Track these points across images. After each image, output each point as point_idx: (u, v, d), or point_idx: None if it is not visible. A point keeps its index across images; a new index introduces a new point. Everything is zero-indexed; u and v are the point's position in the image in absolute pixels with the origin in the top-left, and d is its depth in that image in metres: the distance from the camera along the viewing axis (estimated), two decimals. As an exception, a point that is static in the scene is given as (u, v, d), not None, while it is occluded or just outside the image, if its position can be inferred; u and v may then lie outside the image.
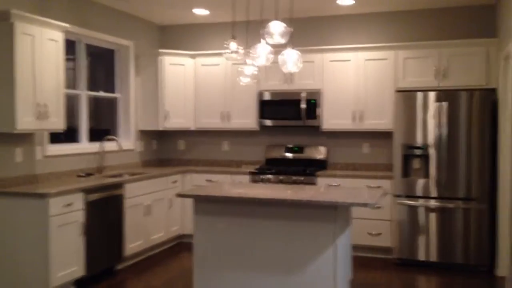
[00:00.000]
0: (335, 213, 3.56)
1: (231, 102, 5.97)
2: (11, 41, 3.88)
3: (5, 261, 3.95)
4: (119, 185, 4.73)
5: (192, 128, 6.15)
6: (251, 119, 5.89)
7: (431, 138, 5.00)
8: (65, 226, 4.02)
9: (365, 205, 3.42)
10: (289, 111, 5.71)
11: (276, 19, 3.63)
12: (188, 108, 6.09)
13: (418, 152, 5.04)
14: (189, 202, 5.62)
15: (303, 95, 5.63)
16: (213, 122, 6.07)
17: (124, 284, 4.49)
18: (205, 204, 3.91)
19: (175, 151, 6.54)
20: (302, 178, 5.43)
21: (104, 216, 4.52)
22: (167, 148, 6.56)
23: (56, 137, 4.78)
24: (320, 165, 5.80)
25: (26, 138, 4.40)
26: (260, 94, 5.81)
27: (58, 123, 4.35)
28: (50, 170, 4.66)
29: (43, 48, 4.15)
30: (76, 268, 4.15)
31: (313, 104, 5.61)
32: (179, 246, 5.75)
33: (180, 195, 3.92)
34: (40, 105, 4.13)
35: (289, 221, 3.71)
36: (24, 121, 3.98)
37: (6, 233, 3.95)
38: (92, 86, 5.49)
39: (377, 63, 5.43)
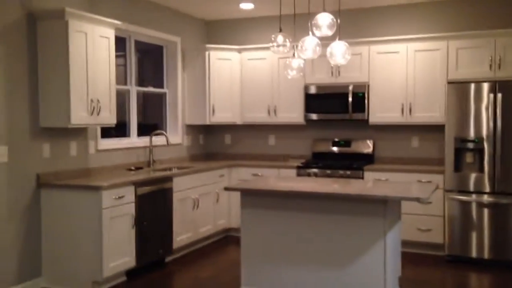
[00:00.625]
0: (385, 207, 3.50)
1: (278, 96, 5.96)
2: (66, 39, 4.01)
3: (62, 251, 4.11)
4: (168, 179, 4.83)
5: (238, 122, 6.19)
6: (298, 113, 5.86)
7: (484, 131, 4.82)
8: (117, 218, 4.13)
9: (417, 199, 3.35)
10: (335, 105, 5.64)
11: (324, 11, 3.60)
12: (234, 103, 6.13)
13: (471, 145, 4.88)
14: (235, 196, 5.67)
15: (350, 88, 5.55)
16: (259, 116, 6.08)
17: (173, 276, 4.58)
18: (252, 197, 3.93)
19: (221, 145, 6.60)
20: (349, 172, 5.36)
21: (154, 209, 4.62)
22: (214, 143, 6.63)
23: (107, 132, 4.92)
24: (367, 159, 5.71)
25: (80, 133, 4.55)
26: (306, 87, 5.77)
27: (110, 118, 4.47)
28: (102, 164, 4.81)
29: (95, 45, 4.27)
30: (127, 259, 4.27)
31: (360, 97, 5.52)
32: (226, 240, 5.81)
33: (227, 189, 3.95)
34: (93, 101, 4.25)
35: (337, 216, 3.67)
36: (78, 116, 4.12)
37: (62, 224, 4.11)
38: (140, 81, 5.61)
39: (427, 54, 5.28)
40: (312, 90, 5.75)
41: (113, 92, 4.51)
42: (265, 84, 6.02)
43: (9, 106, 3.90)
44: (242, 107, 6.15)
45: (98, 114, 4.31)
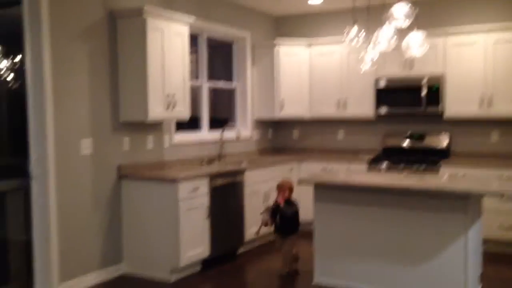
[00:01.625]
0: (466, 203, 3.38)
1: (347, 90, 5.89)
2: (144, 36, 4.17)
3: (142, 239, 4.29)
4: (240, 172, 4.90)
5: (307, 117, 6.17)
6: (368, 107, 5.76)
7: None
8: (192, 210, 4.25)
9: (501, 195, 3.20)
10: (408, 98, 5.50)
11: (399, 1, 3.52)
12: (303, 97, 6.12)
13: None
14: (305, 190, 5.67)
15: (424, 81, 5.39)
16: (328, 111, 6.03)
17: (245, 267, 4.65)
18: (326, 191, 3.92)
19: (289, 140, 6.61)
20: (423, 167, 5.20)
21: (226, 201, 4.71)
22: (282, 137, 6.66)
23: (179, 126, 5.07)
24: (442, 154, 5.52)
25: (156, 127, 4.72)
26: (377, 81, 5.66)
27: (184, 112, 4.61)
28: (176, 157, 4.95)
29: (170, 42, 4.40)
30: (202, 249, 4.39)
31: (435, 90, 5.34)
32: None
33: (301, 182, 3.96)
34: (169, 95, 4.39)
35: (415, 211, 3.58)
36: (155, 111, 4.27)
37: (142, 214, 4.28)
38: (210, 77, 5.72)
39: (509, 44, 5.02)
40: (383, 83, 5.63)
41: (187, 87, 4.63)
42: (334, 78, 5.97)
43: (92, 102, 4.11)
44: (311, 102, 6.13)
45: (173, 108, 4.44)
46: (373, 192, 3.73)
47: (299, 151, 6.44)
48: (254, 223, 5.10)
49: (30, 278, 3.75)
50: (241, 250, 5.04)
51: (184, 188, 4.16)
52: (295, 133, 6.59)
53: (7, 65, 5.55)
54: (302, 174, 5.80)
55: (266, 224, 4.40)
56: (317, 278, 3.99)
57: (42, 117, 3.72)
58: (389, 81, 5.59)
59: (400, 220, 3.64)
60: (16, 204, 3.76)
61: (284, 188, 4.35)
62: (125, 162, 4.38)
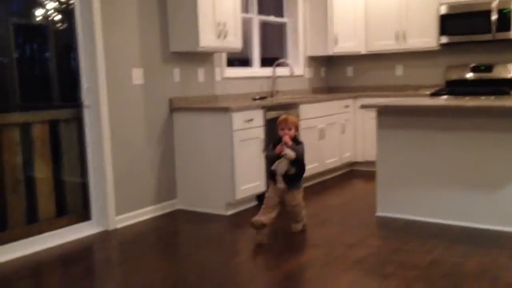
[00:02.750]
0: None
1: (407, 20, 5.49)
2: (192, -41, 3.94)
3: (195, 174, 4.18)
4: (294, 105, 4.68)
5: (363, 51, 5.83)
6: (430, 37, 5.36)
7: None
8: (247, 142, 4.09)
9: None
10: (475, 24, 5.06)
11: None
12: (358, 31, 5.77)
13: None
14: (361, 128, 5.44)
15: (494, 4, 4.92)
16: (386, 44, 5.66)
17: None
18: (389, 116, 3.65)
19: (343, 79, 6.30)
20: (491, 98, 4.80)
21: (281, 135, 4.52)
22: (336, 76, 6.35)
23: (230, 63, 4.87)
24: (513, 85, 5.09)
25: (206, 59, 4.54)
26: (440, 7, 5.22)
27: (236, 42, 4.40)
28: (227, 92, 4.78)
29: (220, -34, 4.16)
30: (257, 183, 4.24)
31: (506, 13, 4.87)
32: (351, 173, 5.60)
33: (364, 106, 3.71)
34: (220, 24, 4.18)
35: (488, 133, 3.28)
36: (206, 39, 4.08)
37: (194, 147, 4.16)
38: (260, 12, 5.45)
39: None
40: (447, 9, 5.19)
41: (238, 16, 4.41)
42: (392, 7, 5.56)
43: (142, 31, 3.95)
44: (367, 35, 5.78)
45: (224, 37, 4.24)
46: (440, 115, 3.44)
47: (354, 90, 6.12)
48: (310, 160, 4.91)
49: (87, 210, 3.73)
50: (296, 187, 4.88)
51: (238, 118, 3.99)
52: (350, 71, 6.26)
53: (55, 6, 5.50)
54: (358, 111, 5.50)
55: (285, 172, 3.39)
56: (380, 211, 3.78)
57: (92, 46, 3.61)
58: (453, 7, 5.15)
59: (474, 144, 3.34)
60: (70, 134, 3.71)
61: (290, 124, 3.41)
62: (176, 95, 4.24)
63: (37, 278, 2.95)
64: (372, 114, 4.12)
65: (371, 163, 4.30)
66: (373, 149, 3.92)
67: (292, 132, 3.40)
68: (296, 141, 3.43)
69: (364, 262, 2.93)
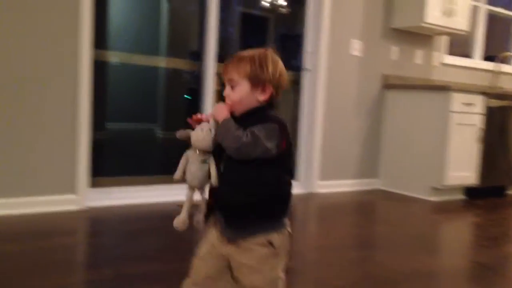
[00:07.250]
0: None
1: None
2: None
3: (401, 155, 4.02)
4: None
5: None
6: None
7: None
8: (463, 127, 3.79)
9: None
10: None
11: None
12: None
13: None
14: None
15: None
16: None
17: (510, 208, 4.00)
18: None
19: None
20: None
21: (502, 129, 4.09)
22: None
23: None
24: None
25: (426, 42, 4.36)
26: None
27: (462, 24, 4.13)
28: (444, 78, 4.52)
29: None
30: (468, 174, 3.90)
31: None
32: None
33: None
34: (448, 1, 3.98)
35: None
36: (432, 15, 3.92)
37: (404, 127, 4.01)
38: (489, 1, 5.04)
39: None
40: None
41: (467, -3, 4.14)
42: None
43: (366, 3, 3.97)
44: None
45: (451, 16, 4.02)
46: None
47: None
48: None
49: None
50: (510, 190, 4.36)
51: (457, 99, 3.72)
52: None
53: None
54: None
55: None
56: None
57: (319, 14, 3.74)
58: None
59: None
60: (287, 96, 3.90)
61: (233, 72, 1.20)
62: (391, 73, 4.15)
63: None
64: None
65: None
66: None
67: (239, 91, 1.20)
68: (254, 117, 1.18)
69: None
